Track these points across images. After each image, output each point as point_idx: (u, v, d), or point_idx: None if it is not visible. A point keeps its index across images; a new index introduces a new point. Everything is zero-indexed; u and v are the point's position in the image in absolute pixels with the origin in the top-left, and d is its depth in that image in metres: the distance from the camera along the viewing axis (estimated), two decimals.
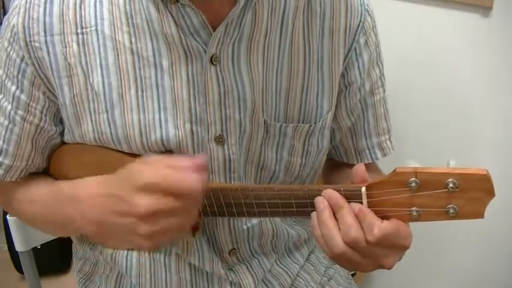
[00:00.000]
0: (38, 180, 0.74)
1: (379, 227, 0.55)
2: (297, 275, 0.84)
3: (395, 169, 0.56)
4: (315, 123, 0.72)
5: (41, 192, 0.72)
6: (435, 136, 1.38)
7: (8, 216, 0.87)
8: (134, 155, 0.68)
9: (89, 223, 0.63)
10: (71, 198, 0.66)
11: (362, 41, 0.72)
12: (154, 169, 0.57)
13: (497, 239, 1.27)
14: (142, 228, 0.56)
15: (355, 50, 0.72)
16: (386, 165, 0.83)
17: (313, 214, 0.59)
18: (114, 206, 0.58)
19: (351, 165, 0.80)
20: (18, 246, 0.91)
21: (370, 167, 0.81)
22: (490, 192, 0.53)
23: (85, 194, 0.64)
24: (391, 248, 0.57)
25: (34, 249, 0.93)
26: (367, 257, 0.57)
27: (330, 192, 0.58)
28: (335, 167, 0.85)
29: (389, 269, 0.58)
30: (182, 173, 0.56)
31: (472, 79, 1.25)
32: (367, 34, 0.72)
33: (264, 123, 0.69)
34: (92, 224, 0.63)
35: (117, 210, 0.58)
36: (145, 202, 0.55)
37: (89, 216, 0.63)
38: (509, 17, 1.15)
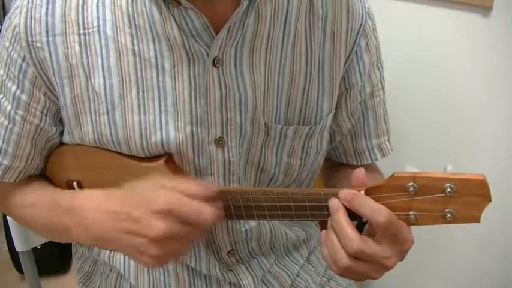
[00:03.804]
0: (35, 186, 0.74)
1: (382, 214, 0.54)
2: (297, 276, 0.84)
3: (393, 173, 0.56)
4: (314, 125, 0.72)
5: (38, 198, 0.73)
6: (434, 136, 1.38)
7: (8, 216, 0.87)
8: (133, 157, 0.68)
9: (89, 235, 0.64)
10: (67, 209, 0.66)
11: (363, 44, 0.72)
12: (171, 194, 0.58)
13: (495, 240, 1.27)
14: (152, 249, 0.58)
15: (356, 53, 0.72)
16: (384, 166, 0.83)
17: (323, 233, 0.60)
18: (127, 226, 0.59)
19: (350, 166, 0.81)
20: (18, 246, 0.91)
21: (370, 168, 0.81)
22: (486, 197, 0.54)
23: (86, 206, 0.64)
24: (392, 243, 0.56)
25: (34, 249, 0.93)
26: (372, 263, 0.56)
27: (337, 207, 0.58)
28: (334, 167, 0.85)
29: (391, 268, 0.58)
30: (199, 203, 0.57)
31: (472, 79, 1.25)
32: (368, 37, 0.72)
33: (265, 125, 0.69)
34: (93, 237, 0.63)
35: (129, 230, 0.59)
36: (161, 226, 0.56)
37: (91, 229, 0.63)
38: (509, 17, 1.15)
